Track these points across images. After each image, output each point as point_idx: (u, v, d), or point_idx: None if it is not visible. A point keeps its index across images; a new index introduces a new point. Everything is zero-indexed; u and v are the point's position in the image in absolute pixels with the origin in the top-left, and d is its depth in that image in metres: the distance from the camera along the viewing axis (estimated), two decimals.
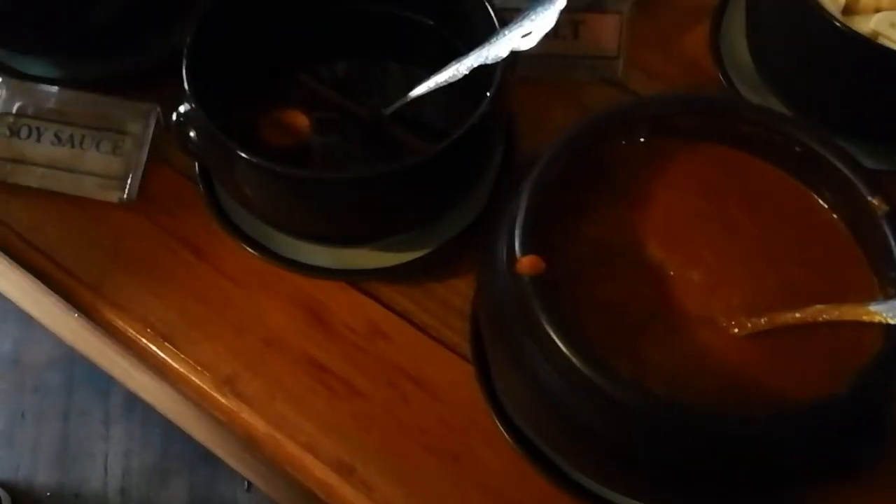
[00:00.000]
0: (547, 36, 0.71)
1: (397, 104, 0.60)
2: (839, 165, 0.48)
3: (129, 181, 0.64)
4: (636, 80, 0.72)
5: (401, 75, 0.64)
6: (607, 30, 0.71)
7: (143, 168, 0.65)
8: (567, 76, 0.72)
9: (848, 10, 0.61)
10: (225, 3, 0.58)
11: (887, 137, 0.64)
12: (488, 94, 0.54)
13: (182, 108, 0.54)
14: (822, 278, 0.48)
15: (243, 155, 0.51)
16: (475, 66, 0.55)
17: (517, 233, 0.45)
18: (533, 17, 0.52)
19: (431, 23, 0.64)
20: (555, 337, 0.43)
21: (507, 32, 0.54)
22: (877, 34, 0.59)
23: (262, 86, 0.64)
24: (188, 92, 0.54)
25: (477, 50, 0.55)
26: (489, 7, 0.58)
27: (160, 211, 0.65)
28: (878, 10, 0.61)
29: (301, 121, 0.62)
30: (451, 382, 0.58)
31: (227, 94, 0.62)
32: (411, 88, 0.59)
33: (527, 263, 0.44)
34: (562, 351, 0.42)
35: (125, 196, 0.64)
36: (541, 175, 0.47)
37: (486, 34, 0.57)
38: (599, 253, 0.49)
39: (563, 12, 0.71)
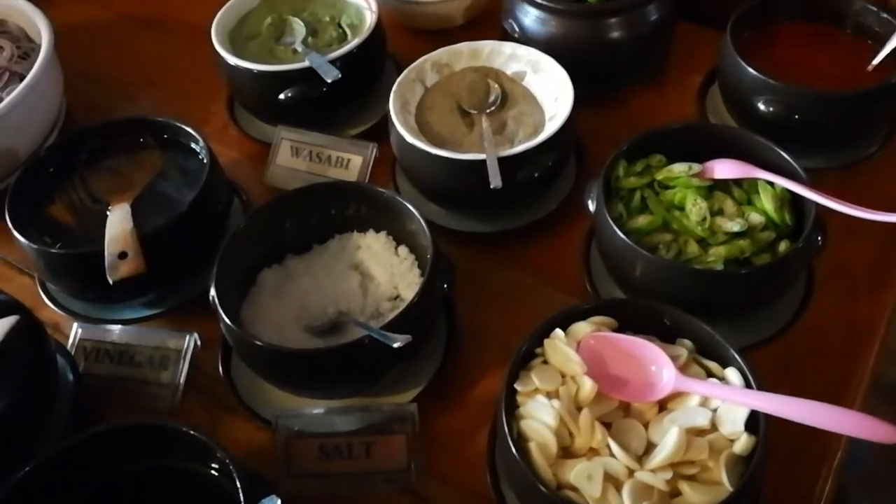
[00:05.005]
0: (342, 456, 0.80)
1: None
2: None
3: None
4: (431, 486, 0.79)
5: None
6: (396, 447, 0.78)
7: None
8: (366, 491, 0.78)
9: (566, 454, 0.68)
10: None
11: None
12: None
13: None
14: None
15: None
16: None
17: None
18: None
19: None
20: None
21: None
22: (574, 487, 0.65)
23: None
24: None
25: None
26: None
27: None
28: (591, 450, 0.68)
29: None
30: None
31: None
32: None
33: None
34: None
35: None
36: None
37: None
38: None
39: (354, 434, 0.79)
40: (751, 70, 0.95)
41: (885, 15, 0.99)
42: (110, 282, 0.80)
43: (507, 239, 0.96)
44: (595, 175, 0.87)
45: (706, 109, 1.07)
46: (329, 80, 0.97)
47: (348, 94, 1.05)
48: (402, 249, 0.90)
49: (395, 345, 0.71)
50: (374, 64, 1.09)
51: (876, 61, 0.98)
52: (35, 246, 0.86)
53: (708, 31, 1.16)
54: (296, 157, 1.04)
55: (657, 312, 0.75)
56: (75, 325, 0.88)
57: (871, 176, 0.98)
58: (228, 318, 0.79)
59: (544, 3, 1.04)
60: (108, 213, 0.88)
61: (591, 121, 1.04)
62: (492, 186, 0.85)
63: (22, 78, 1.05)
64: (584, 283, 0.90)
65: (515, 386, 0.71)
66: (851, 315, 0.87)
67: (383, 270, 0.88)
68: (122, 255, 0.81)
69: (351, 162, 1.02)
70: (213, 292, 0.80)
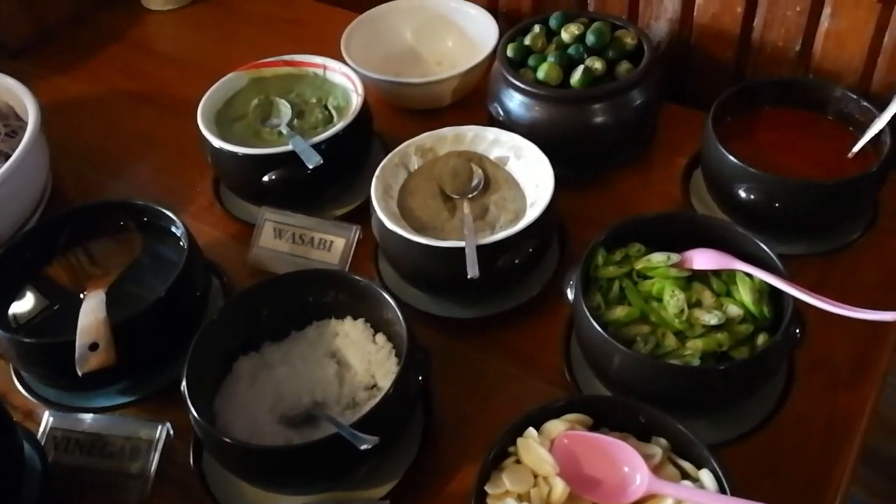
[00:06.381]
0: None
1: None
2: None
3: None
4: None
5: None
6: None
7: None
8: None
9: None
10: None
11: None
12: None
13: None
14: None
15: None
16: None
17: None
18: None
19: None
20: None
21: None
22: None
23: None
24: None
25: None
26: None
27: None
28: None
29: None
30: None
31: None
32: None
33: None
34: None
35: None
36: None
37: None
38: None
39: None
40: (732, 158, 0.95)
41: (865, 103, 1.00)
42: (79, 374, 0.79)
43: (487, 324, 0.96)
44: (577, 261, 0.87)
45: (690, 193, 1.08)
46: (311, 167, 0.98)
47: (333, 177, 1.06)
48: (380, 337, 0.89)
49: (363, 447, 0.70)
50: (359, 146, 1.10)
51: (856, 149, 0.98)
52: (6, 334, 0.85)
53: (694, 112, 1.17)
54: (279, 238, 1.04)
55: (632, 410, 0.74)
56: (46, 413, 0.87)
57: (853, 263, 0.98)
58: (200, 409, 0.78)
59: (529, 88, 1.05)
60: (82, 298, 0.87)
61: (576, 204, 1.04)
62: (469, 276, 0.85)
63: (7, 157, 1.06)
64: (564, 372, 0.89)
65: (486, 488, 0.70)
66: (832, 408, 0.85)
67: (360, 359, 0.87)
68: (94, 346, 0.80)
69: (334, 244, 1.02)
70: (183, 385, 0.79)
